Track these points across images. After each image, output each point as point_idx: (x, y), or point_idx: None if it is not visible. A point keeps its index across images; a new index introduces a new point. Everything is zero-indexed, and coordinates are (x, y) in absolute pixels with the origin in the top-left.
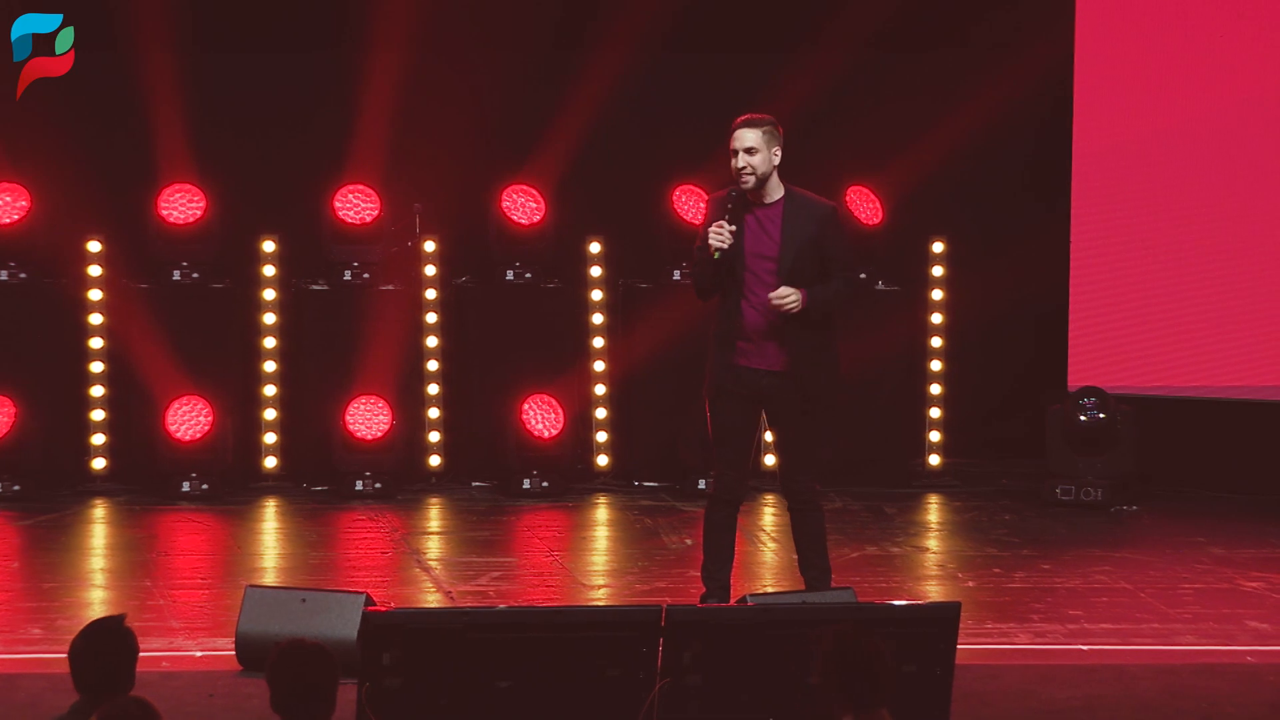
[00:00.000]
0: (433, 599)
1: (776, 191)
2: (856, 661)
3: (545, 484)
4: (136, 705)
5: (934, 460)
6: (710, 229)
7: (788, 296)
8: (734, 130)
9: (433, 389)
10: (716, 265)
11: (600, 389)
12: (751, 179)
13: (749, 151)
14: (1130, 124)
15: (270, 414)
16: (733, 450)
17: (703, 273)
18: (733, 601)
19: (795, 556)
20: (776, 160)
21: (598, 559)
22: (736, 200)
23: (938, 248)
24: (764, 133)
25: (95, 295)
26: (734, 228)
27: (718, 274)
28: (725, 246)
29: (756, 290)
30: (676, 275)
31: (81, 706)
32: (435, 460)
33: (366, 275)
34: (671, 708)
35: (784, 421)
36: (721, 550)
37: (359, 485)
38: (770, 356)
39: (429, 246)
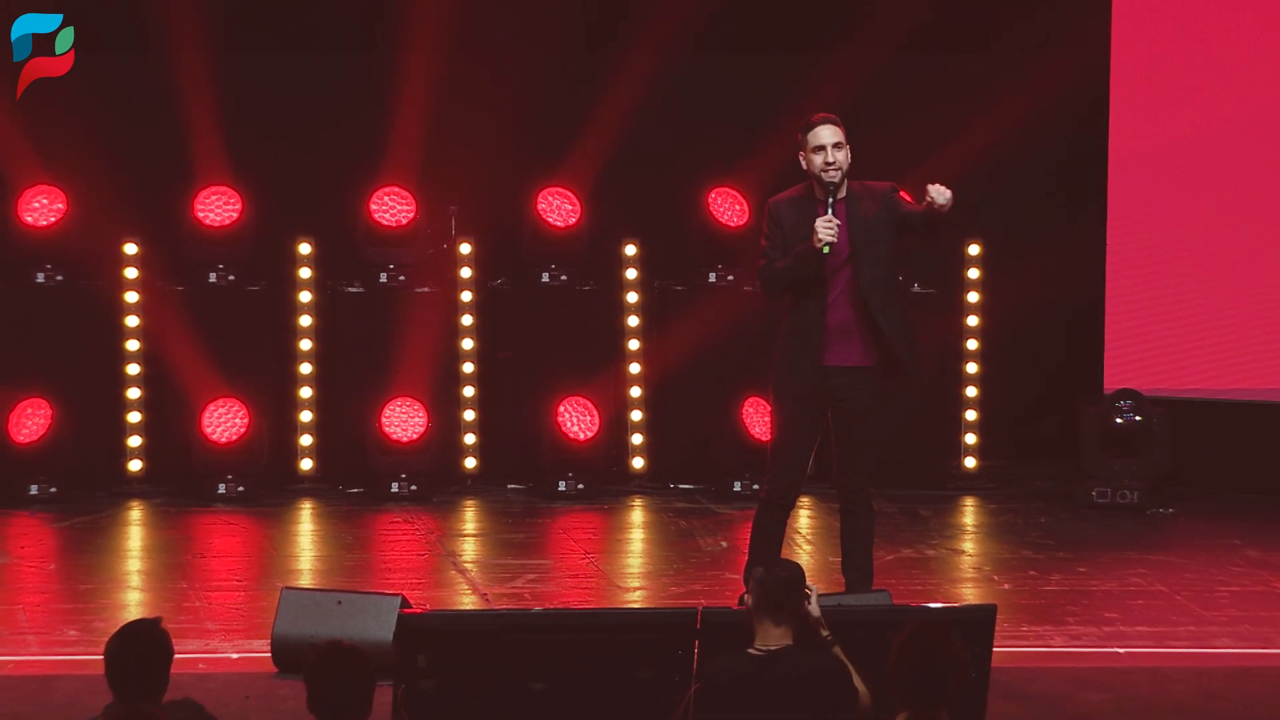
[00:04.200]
0: (468, 601)
1: (843, 189)
2: (929, 659)
3: (580, 486)
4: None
5: (969, 462)
6: (820, 224)
7: (945, 192)
8: (815, 128)
9: (468, 391)
10: (821, 260)
11: (635, 391)
12: (839, 174)
13: (837, 147)
14: (1166, 126)
15: (306, 416)
16: (793, 453)
17: (802, 269)
18: None
19: (834, 557)
20: (850, 157)
21: (633, 561)
22: (834, 193)
23: (973, 250)
24: (842, 129)
25: (131, 297)
26: (839, 222)
27: (814, 271)
28: (835, 240)
29: (838, 286)
30: (712, 277)
31: (114, 708)
32: (470, 462)
33: (402, 277)
34: (706, 709)
35: (850, 419)
36: (768, 554)
37: (394, 487)
38: (851, 352)
39: (464, 249)
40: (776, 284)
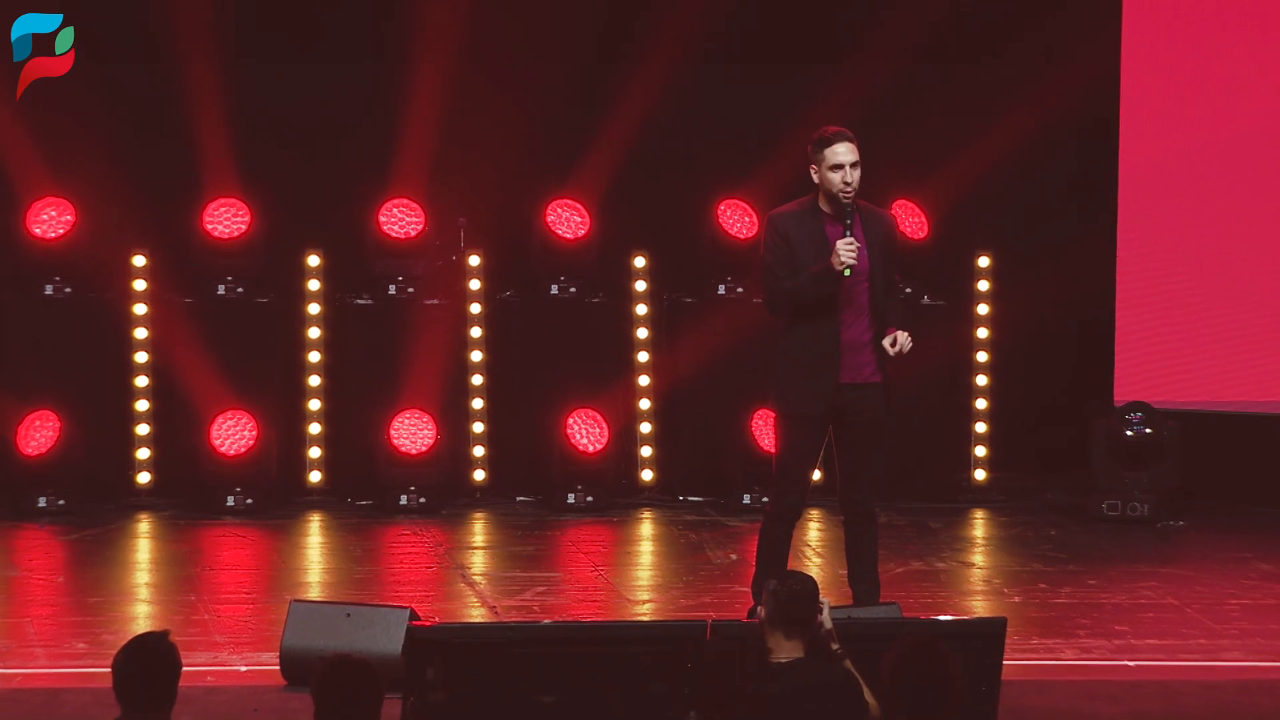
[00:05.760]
0: (477, 614)
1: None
2: (924, 672)
3: (590, 499)
4: None
5: (979, 475)
6: (841, 245)
7: (903, 341)
8: (833, 143)
9: (477, 403)
10: (838, 281)
11: (645, 403)
12: (853, 193)
13: (855, 166)
14: (1177, 136)
15: (315, 428)
16: (799, 469)
17: (819, 289)
18: None
19: (842, 570)
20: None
21: (642, 574)
22: (851, 214)
23: (983, 262)
24: (857, 145)
25: (140, 309)
26: (860, 243)
27: (829, 292)
28: (856, 263)
29: (850, 304)
30: (721, 289)
31: None
32: (479, 475)
33: (411, 289)
34: None
35: (858, 434)
36: (776, 566)
37: (403, 500)
38: (862, 369)
39: (473, 261)
40: (790, 302)
